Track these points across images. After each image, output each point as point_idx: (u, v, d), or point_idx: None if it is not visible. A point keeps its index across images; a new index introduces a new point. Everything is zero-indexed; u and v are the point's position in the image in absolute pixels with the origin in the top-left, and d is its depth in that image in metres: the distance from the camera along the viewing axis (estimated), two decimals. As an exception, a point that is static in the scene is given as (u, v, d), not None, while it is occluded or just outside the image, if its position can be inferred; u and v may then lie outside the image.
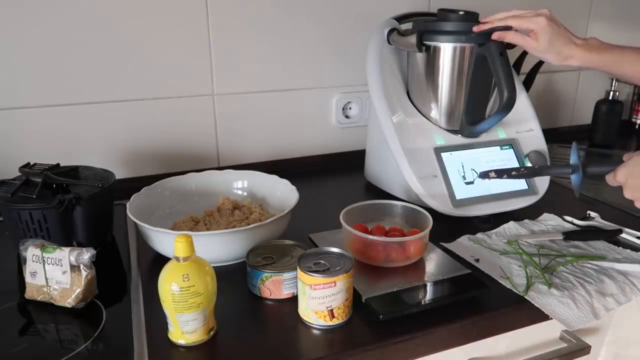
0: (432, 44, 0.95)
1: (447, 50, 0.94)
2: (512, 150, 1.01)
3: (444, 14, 0.95)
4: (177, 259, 0.60)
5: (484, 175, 0.85)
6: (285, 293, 0.70)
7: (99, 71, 1.02)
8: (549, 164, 1.01)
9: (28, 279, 0.70)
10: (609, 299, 0.73)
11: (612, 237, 0.89)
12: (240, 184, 0.98)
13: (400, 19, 1.05)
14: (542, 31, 0.81)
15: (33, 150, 1.00)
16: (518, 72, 1.20)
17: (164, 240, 0.76)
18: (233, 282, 0.74)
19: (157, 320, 0.65)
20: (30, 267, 0.70)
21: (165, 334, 0.63)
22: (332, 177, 1.20)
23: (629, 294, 0.75)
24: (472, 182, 0.96)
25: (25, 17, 0.94)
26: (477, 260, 0.80)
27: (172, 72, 1.07)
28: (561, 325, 0.69)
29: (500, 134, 1.02)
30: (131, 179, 1.08)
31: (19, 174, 0.81)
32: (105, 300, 0.70)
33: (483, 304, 0.70)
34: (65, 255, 0.68)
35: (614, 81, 1.45)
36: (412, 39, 0.95)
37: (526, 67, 1.23)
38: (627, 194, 0.73)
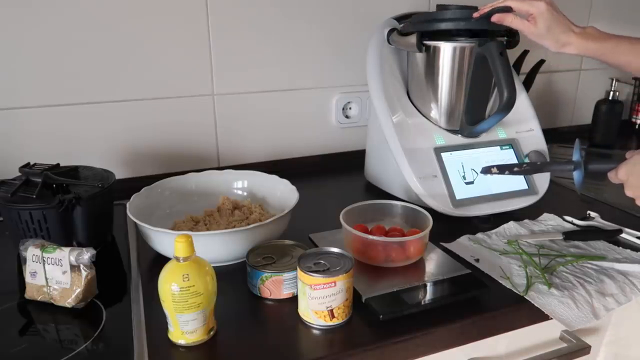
0: (432, 43, 0.95)
1: (447, 50, 0.94)
2: (512, 150, 1.01)
3: (442, 8, 0.95)
4: (177, 259, 0.60)
5: (486, 170, 0.85)
6: (285, 293, 0.70)
7: (99, 71, 1.02)
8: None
9: (28, 279, 0.70)
10: (609, 299, 0.73)
11: (612, 237, 0.89)
12: (240, 184, 0.98)
13: (400, 19, 1.05)
14: (541, 16, 0.81)
15: (33, 150, 1.00)
16: (518, 72, 1.20)
17: (164, 240, 0.76)
18: (233, 282, 0.74)
19: (157, 320, 0.65)
20: (30, 267, 0.70)
21: (165, 334, 0.63)
22: (332, 177, 1.20)
23: (629, 294, 0.75)
24: (472, 182, 0.96)
25: (25, 17, 0.94)
26: (477, 260, 0.80)
27: (172, 72, 1.07)
28: (561, 325, 0.68)
29: (500, 134, 1.02)
30: (131, 179, 1.08)
31: (19, 174, 0.81)
32: (105, 300, 0.70)
33: (483, 304, 0.70)
34: (65, 255, 0.68)
35: (614, 81, 1.45)
36: (412, 39, 0.95)
37: (526, 67, 1.24)
38: (628, 192, 0.73)
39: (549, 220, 0.95)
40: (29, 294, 0.70)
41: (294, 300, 0.69)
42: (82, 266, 0.68)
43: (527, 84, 1.24)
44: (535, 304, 0.70)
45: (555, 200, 1.03)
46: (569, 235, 0.88)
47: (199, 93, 1.11)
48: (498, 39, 0.91)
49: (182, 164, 1.12)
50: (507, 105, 0.88)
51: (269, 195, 0.95)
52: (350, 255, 0.68)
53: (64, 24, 0.97)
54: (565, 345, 0.75)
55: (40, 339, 0.65)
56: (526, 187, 0.99)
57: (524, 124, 1.04)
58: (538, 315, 0.70)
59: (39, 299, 0.70)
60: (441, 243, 0.85)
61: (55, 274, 0.68)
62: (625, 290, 0.75)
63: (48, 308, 0.69)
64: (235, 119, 1.15)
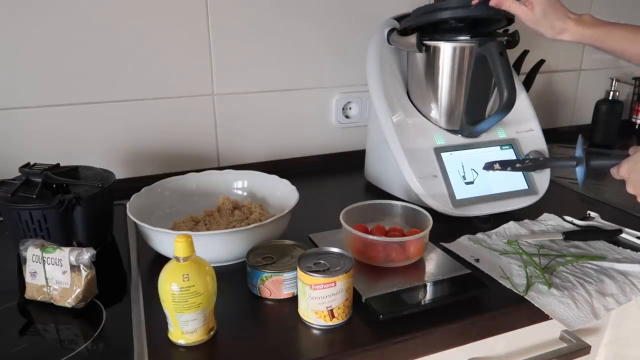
0: (432, 43, 0.95)
1: (447, 50, 0.94)
2: (512, 150, 1.01)
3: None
4: (177, 259, 0.60)
5: (489, 166, 0.85)
6: (285, 293, 0.70)
7: (99, 71, 1.02)
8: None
9: (28, 279, 0.70)
10: (609, 299, 0.73)
11: (612, 237, 0.89)
12: (240, 184, 0.98)
13: (400, 19, 1.05)
14: (537, 2, 0.81)
15: (33, 150, 1.00)
16: (518, 72, 1.20)
17: (164, 240, 0.76)
18: (233, 282, 0.74)
19: (157, 320, 0.65)
20: (30, 267, 0.70)
21: (165, 334, 0.63)
22: (332, 177, 1.20)
23: (629, 294, 0.75)
24: (472, 182, 0.96)
25: (25, 18, 0.94)
26: (477, 260, 0.80)
27: (172, 72, 1.07)
28: (561, 325, 0.68)
29: (500, 134, 1.02)
30: (131, 179, 1.08)
31: (19, 174, 0.81)
32: (105, 300, 0.70)
33: (483, 304, 0.70)
34: (65, 255, 0.68)
35: (614, 81, 1.45)
36: (412, 39, 0.95)
37: (526, 67, 1.24)
38: (630, 189, 0.73)
39: (549, 220, 0.95)
40: (29, 294, 0.70)
41: (294, 300, 0.69)
42: (82, 266, 0.68)
43: (527, 84, 1.24)
44: (535, 304, 0.70)
45: (555, 200, 1.03)
46: (569, 235, 0.88)
47: (199, 93, 1.11)
48: (498, 39, 0.91)
49: (182, 164, 1.12)
50: (507, 105, 0.88)
51: (269, 195, 0.95)
52: (350, 255, 0.68)
53: (64, 24, 0.97)
54: (565, 345, 0.75)
55: (40, 339, 0.65)
56: (526, 187, 0.99)
57: (524, 124, 1.04)
58: (538, 315, 0.70)
59: (39, 299, 0.70)
60: (441, 243, 0.85)
61: (55, 274, 0.68)
62: (625, 290, 0.75)
63: (48, 308, 0.69)
64: (235, 119, 1.15)
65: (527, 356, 0.75)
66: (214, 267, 0.64)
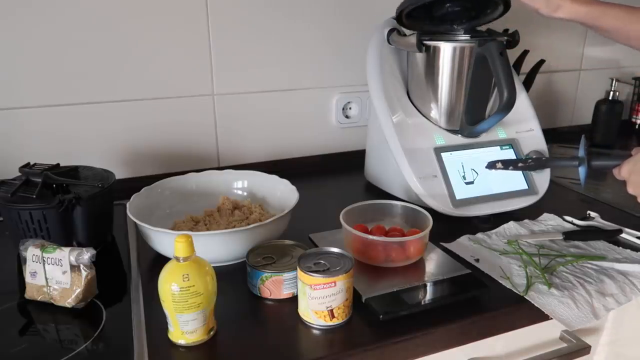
0: (432, 43, 0.95)
1: (447, 50, 0.94)
2: (512, 150, 1.01)
3: None
4: (177, 259, 0.60)
5: (491, 165, 0.86)
6: (285, 293, 0.70)
7: (99, 71, 1.02)
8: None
9: (28, 279, 0.70)
10: (609, 299, 0.73)
11: (612, 237, 0.89)
12: (240, 184, 0.98)
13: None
14: None
15: (33, 150, 1.00)
16: (518, 72, 1.20)
17: (164, 240, 0.76)
18: (233, 282, 0.74)
19: (157, 320, 0.65)
20: (30, 267, 0.70)
21: (165, 334, 0.63)
22: (332, 177, 1.20)
23: (629, 294, 0.75)
24: (472, 182, 0.96)
25: (25, 18, 0.94)
26: (477, 260, 0.80)
27: (172, 72, 1.07)
28: (561, 325, 0.68)
29: (500, 134, 1.02)
30: (131, 179, 1.08)
31: (19, 174, 0.81)
32: (105, 300, 0.70)
33: (483, 304, 0.70)
34: (65, 255, 0.68)
35: (614, 81, 1.45)
36: (412, 39, 0.95)
37: (526, 67, 1.24)
38: (630, 190, 0.73)
39: (549, 220, 0.95)
40: (29, 294, 0.70)
41: (294, 300, 0.69)
42: (82, 266, 0.68)
43: (527, 84, 1.24)
44: (535, 304, 0.70)
45: (555, 200, 1.03)
46: (569, 235, 0.88)
47: (199, 93, 1.11)
48: (498, 39, 0.91)
49: (182, 164, 1.12)
50: (507, 105, 0.88)
51: (269, 195, 0.95)
52: (350, 255, 0.68)
53: (64, 24, 0.97)
54: (565, 345, 0.75)
55: (40, 339, 0.65)
56: (526, 187, 0.99)
57: (524, 124, 1.04)
58: (538, 315, 0.70)
59: (39, 299, 0.70)
60: (441, 243, 0.85)
61: (55, 274, 0.68)
62: (625, 290, 0.75)
63: (48, 308, 0.69)
64: (235, 119, 1.15)
65: (527, 356, 0.75)
66: (214, 267, 0.64)
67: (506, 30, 1.00)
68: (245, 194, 0.97)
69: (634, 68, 1.60)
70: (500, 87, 0.87)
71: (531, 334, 0.74)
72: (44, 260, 0.69)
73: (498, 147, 1.01)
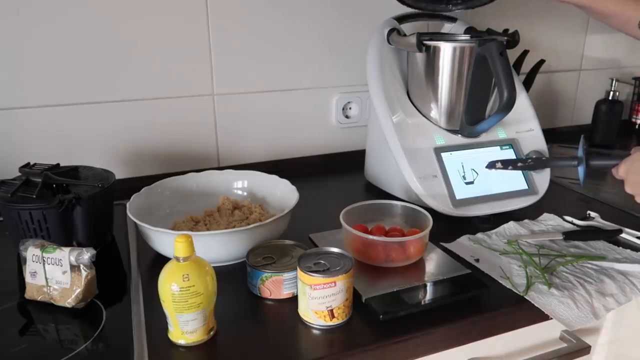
0: (432, 43, 0.95)
1: (447, 50, 0.94)
2: (512, 150, 1.01)
3: None
4: (177, 259, 0.60)
5: (491, 165, 0.86)
6: (285, 293, 0.70)
7: (99, 71, 1.02)
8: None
9: (28, 279, 0.70)
10: (609, 299, 0.73)
11: (612, 237, 0.89)
12: (240, 184, 0.98)
13: (401, 19, 1.05)
14: None
15: (33, 150, 1.00)
16: (518, 72, 1.20)
17: (164, 240, 0.76)
18: (233, 282, 0.74)
19: (157, 320, 0.65)
20: (30, 267, 0.70)
21: (165, 334, 0.63)
22: (332, 177, 1.20)
23: (629, 294, 0.75)
24: (472, 182, 0.96)
25: (25, 18, 0.94)
26: (477, 260, 0.80)
27: (172, 72, 1.07)
28: (561, 325, 0.68)
29: (500, 134, 1.02)
30: (131, 179, 1.08)
31: (19, 174, 0.81)
32: (105, 300, 0.70)
33: (483, 304, 0.70)
34: (65, 255, 0.68)
35: (614, 81, 1.45)
36: (412, 39, 0.95)
37: (526, 67, 1.24)
38: (627, 189, 0.74)
39: (549, 220, 0.95)
40: (29, 294, 0.70)
41: (294, 300, 0.69)
42: (82, 266, 0.68)
43: (527, 84, 1.24)
44: (535, 304, 0.70)
45: (555, 200, 1.03)
46: (569, 235, 0.88)
47: (199, 93, 1.11)
48: (498, 39, 0.91)
49: (182, 164, 1.12)
50: (507, 105, 0.88)
51: (269, 195, 0.95)
52: (350, 255, 0.68)
53: (64, 24, 0.97)
54: (565, 345, 0.75)
55: (40, 339, 0.65)
56: (526, 187, 0.99)
57: (524, 124, 1.04)
58: (538, 315, 0.70)
59: (39, 299, 0.70)
60: (441, 243, 0.85)
61: (55, 274, 0.68)
62: (625, 290, 0.75)
63: (48, 308, 0.69)
64: (235, 119, 1.15)
65: (527, 356, 0.75)
66: (214, 267, 0.64)
67: (506, 30, 1.00)
68: (245, 194, 0.97)
69: (634, 68, 1.60)
70: (500, 87, 0.87)
71: (531, 334, 0.74)
72: (44, 260, 0.69)
73: (498, 147, 1.01)
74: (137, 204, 0.83)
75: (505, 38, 0.97)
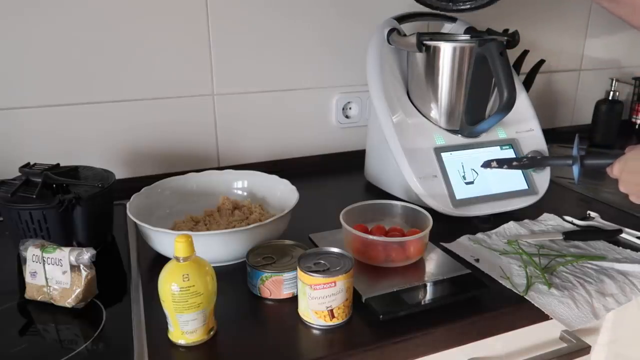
0: (432, 43, 0.95)
1: (447, 50, 0.94)
2: (512, 150, 1.01)
3: None
4: (177, 259, 0.60)
5: (486, 164, 0.86)
6: (285, 293, 0.70)
7: (99, 71, 1.02)
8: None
9: (28, 279, 0.70)
10: (609, 299, 0.73)
11: (612, 237, 0.89)
12: (240, 184, 0.98)
13: (400, 19, 1.05)
14: None
15: (33, 150, 1.00)
16: (518, 72, 1.20)
17: (164, 240, 0.76)
18: (233, 282, 0.74)
19: (157, 320, 0.65)
20: (30, 267, 0.70)
21: (165, 334, 0.63)
22: (332, 177, 1.20)
23: (629, 294, 0.75)
24: (472, 182, 0.96)
25: (25, 18, 0.94)
26: (477, 260, 0.80)
27: (172, 72, 1.07)
28: (561, 325, 0.68)
29: (500, 134, 1.02)
30: (131, 179, 1.08)
31: (19, 174, 0.81)
32: (105, 300, 0.70)
33: (483, 304, 0.70)
34: (65, 255, 0.68)
35: (614, 81, 1.45)
36: (412, 39, 0.95)
37: (526, 67, 1.24)
38: (622, 188, 0.74)
39: (549, 220, 0.95)
40: (29, 294, 0.70)
41: (294, 300, 0.69)
42: (82, 266, 0.68)
43: (527, 84, 1.24)
44: (535, 304, 0.70)
45: (555, 200, 1.03)
46: (569, 235, 0.88)
47: (199, 93, 1.11)
48: (498, 39, 0.91)
49: (182, 164, 1.12)
50: (507, 105, 0.88)
51: (269, 195, 0.95)
52: (350, 255, 0.68)
53: (64, 25, 0.97)
54: (565, 345, 0.75)
55: (40, 339, 0.65)
56: (526, 187, 0.99)
57: (524, 124, 1.04)
58: (538, 315, 0.70)
59: (39, 299, 0.70)
60: (441, 243, 0.85)
61: (55, 274, 0.68)
62: (625, 290, 0.75)
63: (48, 308, 0.69)
64: (235, 118, 1.15)
65: (527, 356, 0.75)
66: (214, 267, 0.64)
67: (506, 30, 1.01)
68: (245, 194, 0.97)
69: (634, 68, 1.60)
70: (500, 87, 0.87)
71: (531, 334, 0.74)
72: (44, 260, 0.69)
73: (498, 147, 1.01)
74: (137, 204, 0.83)
75: (505, 38, 0.97)
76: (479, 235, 0.89)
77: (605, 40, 1.53)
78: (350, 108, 1.25)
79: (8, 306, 0.70)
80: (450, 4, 0.96)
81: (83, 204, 0.77)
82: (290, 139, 1.22)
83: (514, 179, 0.99)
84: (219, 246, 0.75)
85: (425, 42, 0.95)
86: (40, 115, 1.00)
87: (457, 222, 0.93)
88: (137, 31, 1.02)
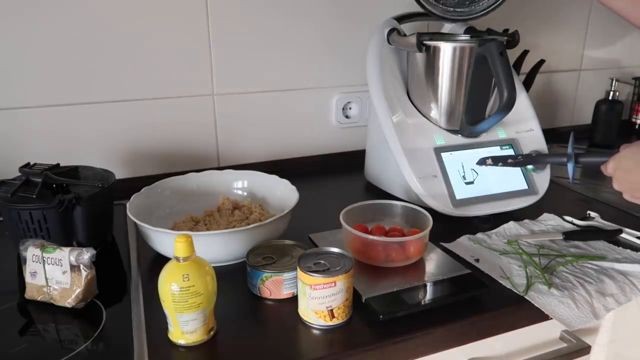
0: (432, 43, 0.95)
1: (447, 50, 0.94)
2: (512, 150, 1.01)
3: None
4: (177, 259, 0.60)
5: (482, 162, 0.86)
6: (285, 293, 0.70)
7: (99, 71, 1.02)
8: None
9: (28, 279, 0.70)
10: (609, 299, 0.73)
11: (612, 237, 0.89)
12: (240, 184, 0.98)
13: (400, 19, 1.05)
14: None
15: (33, 150, 1.00)
16: (518, 72, 1.20)
17: (164, 240, 0.76)
18: (233, 282, 0.74)
19: (157, 320, 0.65)
20: (30, 267, 0.70)
21: (165, 334, 0.63)
22: (332, 177, 1.20)
23: (629, 294, 0.75)
24: (472, 182, 0.96)
25: (25, 18, 0.94)
26: (477, 260, 0.80)
27: (172, 72, 1.07)
28: (561, 325, 0.69)
29: (500, 134, 1.02)
30: (131, 179, 1.08)
31: (19, 174, 0.81)
32: (105, 300, 0.70)
33: (483, 304, 0.70)
34: (65, 255, 0.68)
35: (614, 81, 1.45)
36: (412, 39, 0.95)
37: (526, 67, 1.24)
38: (615, 186, 0.74)
39: (549, 220, 0.95)
40: (29, 294, 0.70)
41: (294, 300, 0.69)
42: (82, 266, 0.68)
43: (527, 84, 1.24)
44: (535, 304, 0.70)
45: (555, 200, 1.03)
46: (569, 235, 0.88)
47: (199, 93, 1.11)
48: (498, 39, 0.91)
49: (182, 164, 1.12)
50: (507, 105, 0.88)
51: (269, 195, 0.95)
52: (350, 255, 0.68)
53: (64, 25, 0.97)
54: (565, 345, 0.75)
55: (40, 339, 0.65)
56: (526, 187, 0.99)
57: (524, 124, 1.04)
58: (538, 315, 0.70)
59: (39, 299, 0.70)
60: (441, 243, 0.85)
61: (55, 274, 0.68)
62: (625, 290, 0.75)
63: (48, 308, 0.69)
64: (235, 118, 1.15)
65: (527, 356, 0.75)
66: (214, 267, 0.64)
67: (506, 30, 1.01)
68: (245, 194, 0.97)
69: (634, 68, 1.60)
70: (500, 87, 0.87)
71: (531, 334, 0.74)
72: (44, 260, 0.69)
73: (498, 147, 1.01)
74: (137, 204, 0.83)
75: (505, 38, 0.97)
76: (479, 235, 0.89)
77: (605, 40, 1.53)
78: (350, 108, 1.25)
79: (8, 306, 0.70)
80: (448, 9, 0.96)
81: (83, 204, 0.77)
82: (290, 139, 1.22)
83: (514, 179, 0.99)
84: (219, 246, 0.75)
85: (425, 42, 0.95)
86: (40, 115, 1.00)
87: (457, 222, 0.93)
88: (137, 31, 1.02)
